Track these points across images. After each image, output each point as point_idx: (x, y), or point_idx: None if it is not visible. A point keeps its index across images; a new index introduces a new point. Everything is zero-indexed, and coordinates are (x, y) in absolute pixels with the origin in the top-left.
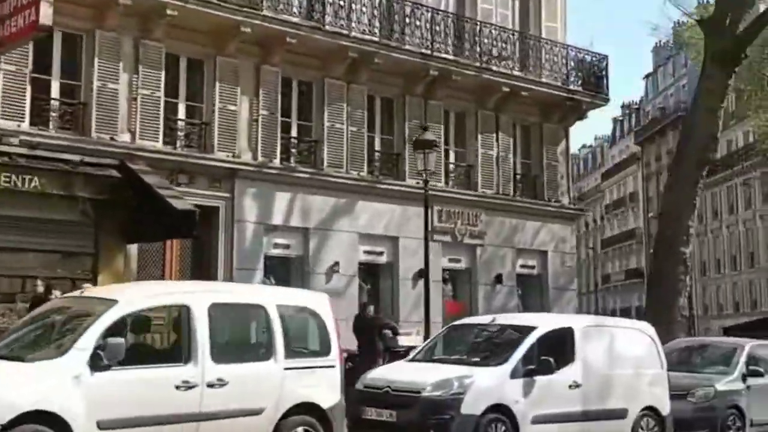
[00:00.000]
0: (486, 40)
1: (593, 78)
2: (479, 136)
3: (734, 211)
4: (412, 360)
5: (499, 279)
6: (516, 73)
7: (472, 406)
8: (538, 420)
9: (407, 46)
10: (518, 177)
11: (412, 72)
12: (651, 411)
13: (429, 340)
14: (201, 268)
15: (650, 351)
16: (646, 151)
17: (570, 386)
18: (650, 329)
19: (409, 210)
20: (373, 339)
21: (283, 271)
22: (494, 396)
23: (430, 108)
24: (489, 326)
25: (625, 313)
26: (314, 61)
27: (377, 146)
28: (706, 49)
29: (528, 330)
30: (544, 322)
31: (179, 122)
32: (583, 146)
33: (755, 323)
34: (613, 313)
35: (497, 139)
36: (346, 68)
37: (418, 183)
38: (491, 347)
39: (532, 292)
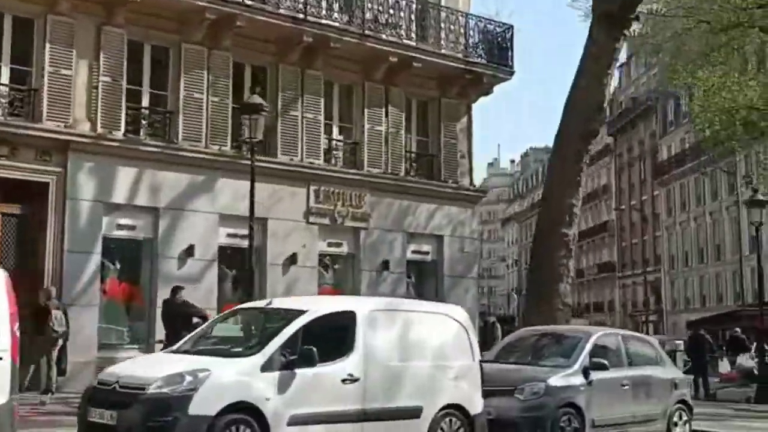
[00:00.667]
0: (371, 5)
1: (496, 49)
2: (366, 111)
3: (702, 202)
4: (175, 351)
5: (386, 265)
6: (407, 41)
7: (204, 405)
8: (298, 421)
9: (280, 10)
10: (412, 156)
11: (283, 38)
12: (455, 410)
13: (204, 325)
14: (26, 250)
15: (458, 339)
16: (618, 142)
17: (344, 381)
18: (460, 314)
19: (280, 189)
20: (179, 327)
21: (129, 254)
22: (236, 393)
23: (308, 78)
24: (264, 310)
25: (599, 307)
26: (169, 23)
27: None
28: (593, 11)
29: (295, 314)
30: (317, 306)
31: (2, 88)
32: None
33: (720, 317)
34: (587, 308)
35: (387, 114)
36: (205, 32)
37: (292, 160)
38: (257, 335)
39: (426, 280)
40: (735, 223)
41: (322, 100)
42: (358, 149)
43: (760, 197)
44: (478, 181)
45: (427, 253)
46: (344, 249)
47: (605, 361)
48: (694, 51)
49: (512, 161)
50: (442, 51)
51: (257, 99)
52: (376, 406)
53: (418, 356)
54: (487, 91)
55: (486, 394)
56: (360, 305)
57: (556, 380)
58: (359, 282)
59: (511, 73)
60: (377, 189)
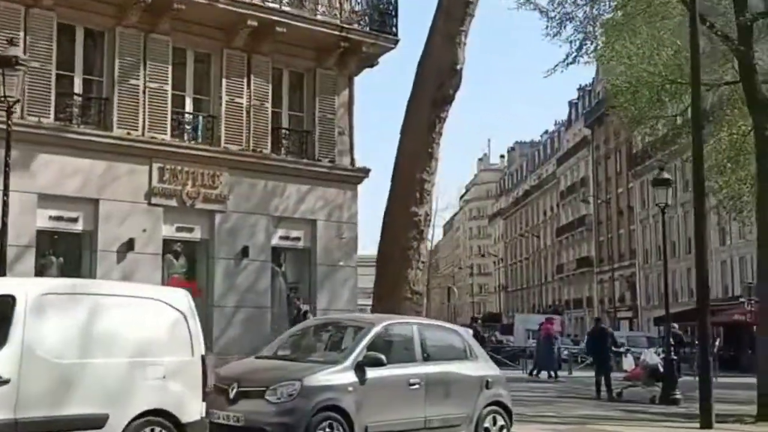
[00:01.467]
0: None
1: (377, 15)
2: (224, 81)
3: (688, 189)
4: None
5: (245, 252)
6: (270, 4)
7: None
8: None
9: None
10: (284, 132)
11: None
12: (160, 416)
13: None
14: None
15: (175, 331)
16: (596, 134)
17: None
18: (181, 300)
19: (116, 167)
20: None
21: None
22: None
23: (152, 43)
24: None
25: (578, 303)
26: None
27: (76, 88)
28: None
29: None
30: None
31: None
32: (545, 132)
33: (689, 312)
34: (567, 305)
35: (249, 85)
36: None
37: (129, 134)
38: None
39: (297, 269)
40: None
41: (170, 68)
42: (215, 123)
43: (666, 176)
44: (467, 176)
45: (298, 239)
46: (197, 234)
47: (381, 356)
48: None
49: (502, 156)
50: (318, 17)
51: (13, 51)
52: (35, 415)
53: (106, 351)
54: (371, 63)
55: (237, 397)
56: (24, 288)
57: (314, 379)
58: (213, 271)
59: (396, 42)
60: (237, 168)
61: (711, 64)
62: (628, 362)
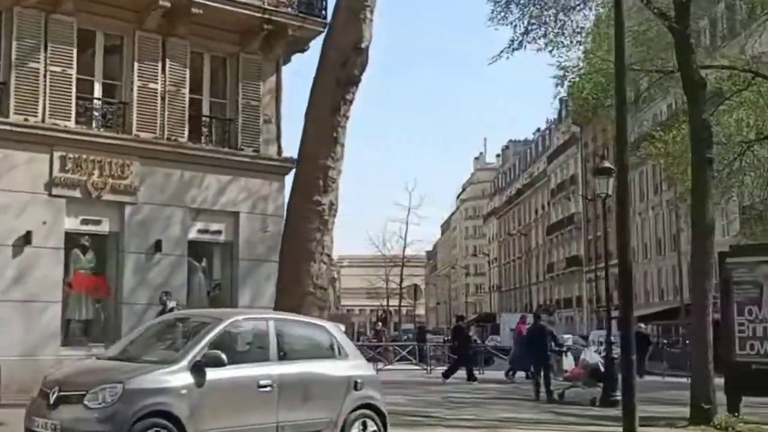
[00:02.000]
0: None
1: None
2: (137, 66)
3: (658, 191)
4: None
5: (158, 246)
6: None
7: None
8: None
9: None
10: (204, 119)
11: None
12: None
13: None
14: None
15: None
16: (585, 131)
17: None
18: None
19: (12, 155)
20: None
21: None
22: None
23: (55, 24)
24: None
25: (568, 303)
26: None
27: None
28: None
29: None
30: None
31: None
32: (538, 130)
33: (665, 312)
34: (557, 304)
35: (164, 70)
36: None
37: (26, 119)
38: None
39: (218, 264)
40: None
41: (75, 51)
42: (126, 110)
43: (607, 164)
44: (464, 176)
45: (219, 232)
46: (105, 227)
47: (222, 355)
48: None
49: (497, 155)
50: None
51: None
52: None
53: None
54: (302, 47)
55: (57, 402)
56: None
57: (138, 381)
58: (123, 266)
59: (325, 25)
60: (149, 157)
61: (659, 50)
62: (568, 362)
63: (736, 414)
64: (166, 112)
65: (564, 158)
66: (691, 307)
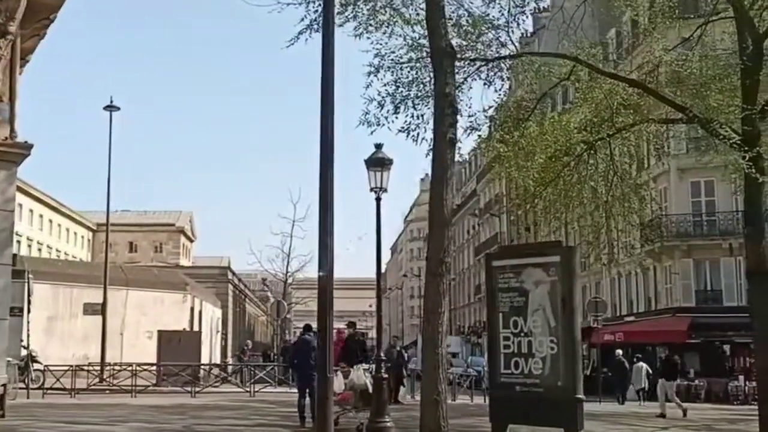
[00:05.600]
0: None
1: None
2: None
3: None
4: None
5: None
6: None
7: None
8: None
9: None
10: None
11: None
12: None
13: None
14: None
15: None
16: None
17: None
18: None
19: None
20: None
21: None
22: None
23: None
24: None
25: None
26: None
27: None
28: None
29: None
30: None
31: None
32: (473, 148)
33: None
34: (484, 326)
35: None
36: None
37: None
38: None
39: None
40: None
41: None
42: None
43: (383, 154)
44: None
45: None
46: None
47: None
48: None
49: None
50: None
51: None
52: None
53: None
54: (45, 17)
55: None
56: None
57: None
58: None
59: None
60: None
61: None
62: (337, 383)
63: None
64: None
65: (491, 176)
66: (423, 316)
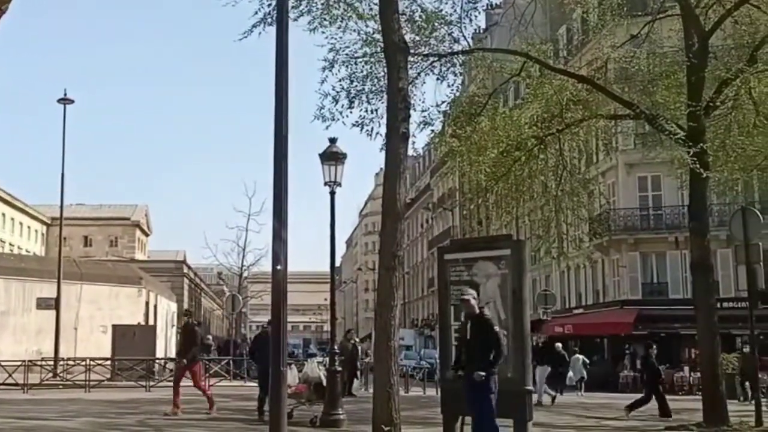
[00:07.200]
0: None
1: None
2: None
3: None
4: None
5: None
6: None
7: None
8: None
9: None
10: None
11: None
12: None
13: None
14: None
15: None
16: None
17: None
18: None
19: None
20: None
21: None
22: None
23: None
24: None
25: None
26: None
27: None
28: None
29: None
30: None
31: None
32: (426, 143)
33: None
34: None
35: None
36: None
37: None
38: None
39: None
40: None
41: None
42: None
43: (337, 149)
44: (368, 190)
45: None
46: None
47: None
48: None
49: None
50: None
51: None
52: None
53: None
54: None
55: None
56: None
57: None
58: None
59: None
60: None
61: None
62: (291, 375)
63: None
64: None
65: (445, 170)
66: (376, 309)
